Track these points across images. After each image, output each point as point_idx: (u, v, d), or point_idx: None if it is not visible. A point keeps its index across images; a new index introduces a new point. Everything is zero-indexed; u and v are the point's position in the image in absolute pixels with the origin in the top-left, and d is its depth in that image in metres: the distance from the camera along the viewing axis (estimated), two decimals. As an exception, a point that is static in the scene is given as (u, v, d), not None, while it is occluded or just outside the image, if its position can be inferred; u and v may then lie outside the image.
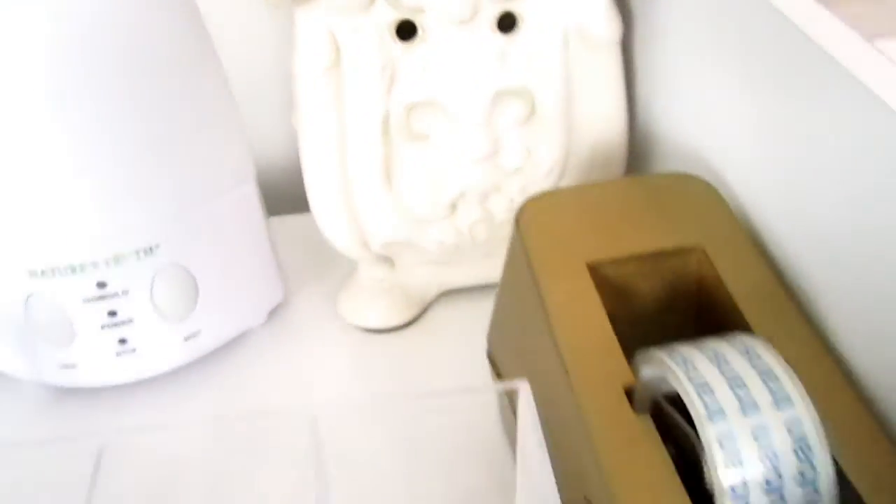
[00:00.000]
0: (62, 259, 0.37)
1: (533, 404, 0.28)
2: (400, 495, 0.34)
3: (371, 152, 0.40)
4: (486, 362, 0.37)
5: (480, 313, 0.38)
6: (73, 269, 0.37)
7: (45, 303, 0.37)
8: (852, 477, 0.22)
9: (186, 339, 0.41)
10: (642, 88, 0.43)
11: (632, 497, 0.23)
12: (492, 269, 0.45)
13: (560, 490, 0.25)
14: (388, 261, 0.45)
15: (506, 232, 0.37)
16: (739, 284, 0.29)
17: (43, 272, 0.37)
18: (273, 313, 0.46)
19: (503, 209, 0.42)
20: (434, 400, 0.33)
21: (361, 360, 0.45)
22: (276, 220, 0.47)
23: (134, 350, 0.40)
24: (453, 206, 0.42)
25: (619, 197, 0.32)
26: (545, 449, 0.26)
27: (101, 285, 0.38)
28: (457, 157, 0.40)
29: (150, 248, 0.38)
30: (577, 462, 0.26)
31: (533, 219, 0.31)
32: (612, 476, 0.23)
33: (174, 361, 0.41)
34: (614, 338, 0.27)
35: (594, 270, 0.29)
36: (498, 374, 0.35)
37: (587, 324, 0.28)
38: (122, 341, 0.39)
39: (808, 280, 0.30)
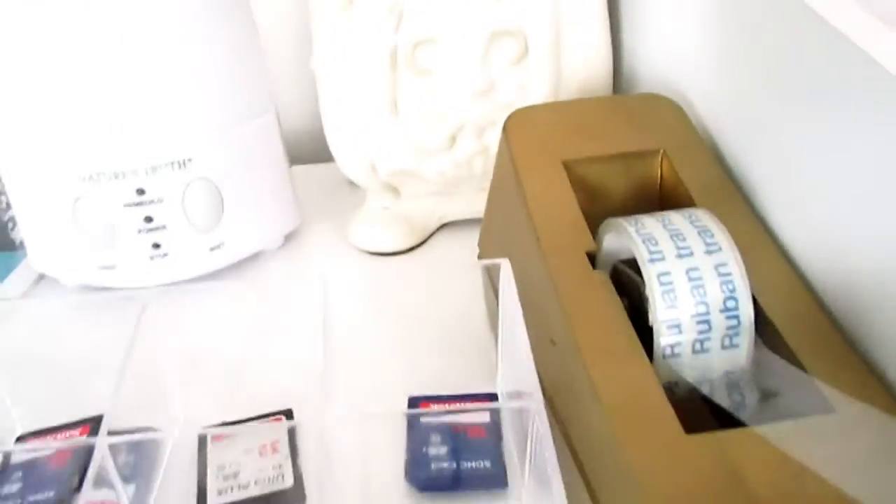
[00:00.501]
0: (108, 165, 0.42)
1: (511, 277, 0.33)
2: (396, 359, 0.39)
3: (380, 85, 0.45)
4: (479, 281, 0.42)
5: (475, 243, 0.42)
6: (117, 175, 0.42)
7: (90, 206, 0.43)
8: (767, 309, 0.27)
9: (212, 249, 0.46)
10: (626, 31, 0.48)
11: (586, 330, 0.27)
12: (488, 202, 0.49)
13: (532, 340, 0.30)
14: (394, 190, 0.50)
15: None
16: (694, 180, 0.33)
17: (90, 177, 0.42)
18: (289, 237, 0.51)
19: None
20: (429, 277, 0.38)
21: (368, 278, 0.49)
22: (295, 168, 0.51)
23: (166, 255, 0.44)
24: (453, 139, 0.47)
25: (594, 110, 0.37)
26: (520, 310, 0.31)
27: (140, 192, 0.43)
28: (457, 91, 0.45)
29: (184, 161, 0.43)
30: (545, 314, 0.30)
31: (518, 125, 0.36)
32: (571, 316, 0.28)
33: (201, 268, 0.46)
34: (581, 216, 0.32)
35: (569, 167, 0.34)
36: (487, 270, 0.40)
37: (559, 206, 0.32)
38: (156, 245, 0.44)
39: (752, 175, 0.34)
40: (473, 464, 0.31)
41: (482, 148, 0.47)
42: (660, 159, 0.35)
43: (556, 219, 0.32)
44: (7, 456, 0.33)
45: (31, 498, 0.30)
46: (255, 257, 0.49)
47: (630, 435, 0.23)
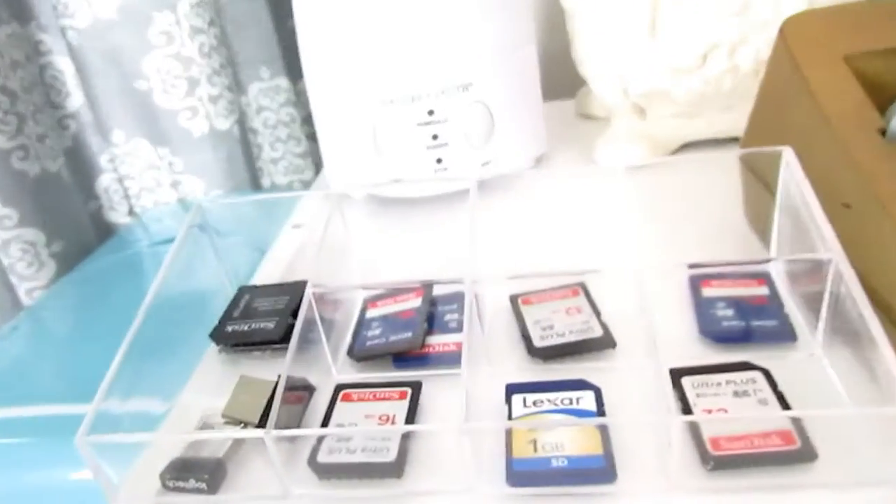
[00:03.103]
0: (406, 90, 0.49)
1: (795, 160, 0.36)
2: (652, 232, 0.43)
3: (643, 7, 0.49)
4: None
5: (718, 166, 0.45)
6: (413, 99, 0.49)
7: (389, 126, 0.50)
8: None
9: (483, 164, 0.52)
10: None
11: (888, 187, 0.30)
12: (731, 123, 0.52)
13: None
14: (640, 111, 0.54)
15: (748, 85, 0.45)
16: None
17: (391, 101, 0.50)
18: (538, 160, 0.57)
19: (749, 60, 0.49)
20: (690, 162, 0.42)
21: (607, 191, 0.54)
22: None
23: (446, 169, 0.52)
24: (704, 57, 0.50)
25: (872, 11, 0.39)
26: (809, 185, 0.34)
27: (430, 112, 0.50)
28: (713, 11, 0.48)
29: (466, 86, 0.50)
30: (835, 184, 0.33)
31: (796, 27, 0.39)
32: (870, 178, 0.31)
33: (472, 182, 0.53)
34: (868, 100, 0.34)
35: (850, 61, 0.37)
36: (750, 169, 0.43)
37: (844, 94, 0.35)
38: (439, 160, 0.51)
39: None
40: (760, 322, 0.35)
41: (732, 66, 0.50)
42: (943, 53, 0.36)
43: (844, 104, 0.35)
44: (363, 310, 0.41)
45: (393, 338, 0.38)
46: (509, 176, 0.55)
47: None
